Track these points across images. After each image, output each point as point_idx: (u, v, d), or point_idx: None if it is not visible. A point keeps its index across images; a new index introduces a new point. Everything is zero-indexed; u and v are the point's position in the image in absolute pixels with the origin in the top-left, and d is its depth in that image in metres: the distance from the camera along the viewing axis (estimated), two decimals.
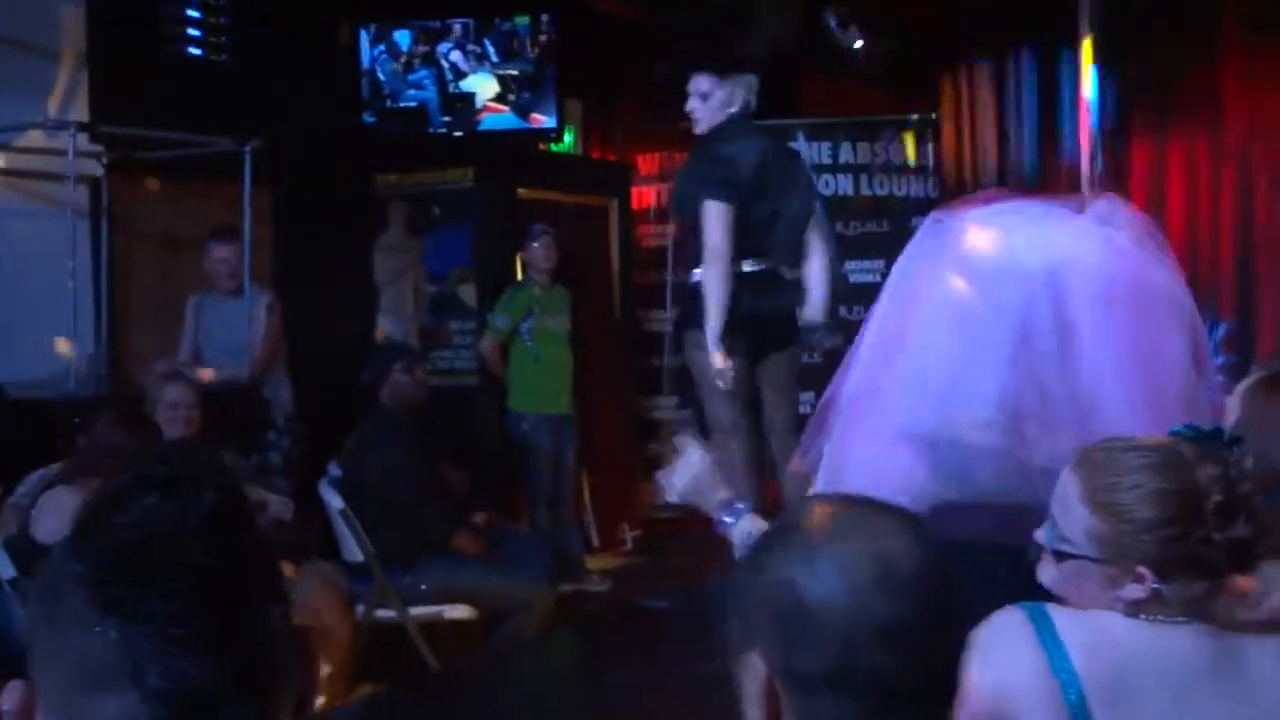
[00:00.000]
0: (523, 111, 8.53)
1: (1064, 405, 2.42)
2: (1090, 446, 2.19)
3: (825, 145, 9.11)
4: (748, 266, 5.44)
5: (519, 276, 8.04)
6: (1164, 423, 2.23)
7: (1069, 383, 2.43)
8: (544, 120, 8.56)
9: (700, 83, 5.56)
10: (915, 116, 9.36)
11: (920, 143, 9.22)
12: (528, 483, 7.76)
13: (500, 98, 8.52)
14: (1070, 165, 8.39)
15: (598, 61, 9.20)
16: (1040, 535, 2.21)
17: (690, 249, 5.46)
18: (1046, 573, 2.20)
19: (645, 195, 9.55)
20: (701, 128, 5.56)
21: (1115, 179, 7.92)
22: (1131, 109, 8.55)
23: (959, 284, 2.51)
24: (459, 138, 8.58)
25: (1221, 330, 7.72)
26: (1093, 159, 7.98)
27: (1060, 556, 2.17)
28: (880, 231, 9.03)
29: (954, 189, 9.07)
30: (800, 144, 8.84)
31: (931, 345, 2.50)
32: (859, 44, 8.98)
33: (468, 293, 8.40)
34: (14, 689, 1.24)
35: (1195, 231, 8.40)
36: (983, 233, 2.53)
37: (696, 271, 5.46)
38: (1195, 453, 2.13)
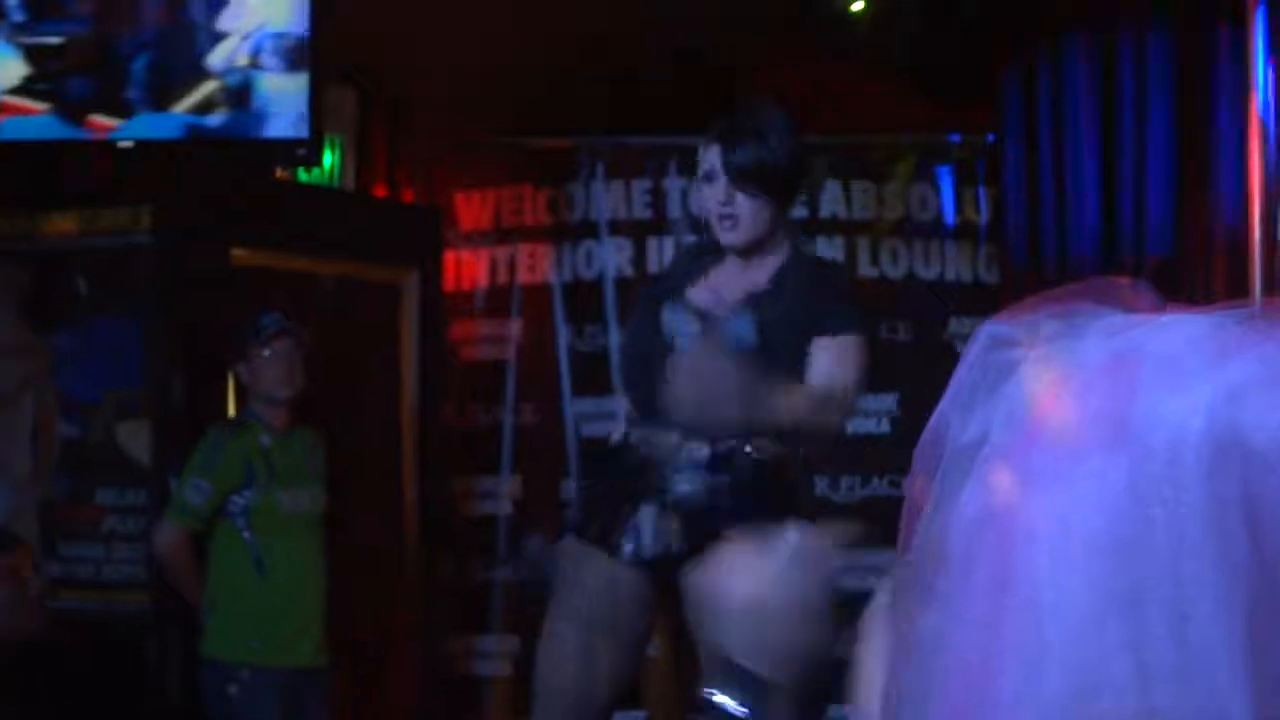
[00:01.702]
0: (240, 104, 7.00)
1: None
2: None
3: None
4: None
5: (232, 411, 6.67)
6: None
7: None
8: (286, 125, 6.96)
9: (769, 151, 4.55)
10: (957, 138, 7.76)
11: (966, 184, 7.68)
12: None
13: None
14: (1229, 222, 7.16)
15: (392, 15, 7.43)
16: None
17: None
18: None
19: (470, 265, 7.98)
20: (741, 236, 4.57)
21: None
22: None
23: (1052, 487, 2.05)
24: (124, 149, 6.97)
25: None
26: (1269, 205, 6.79)
27: None
28: (896, 343, 7.47)
29: (1026, 267, 7.55)
30: None
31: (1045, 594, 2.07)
32: (858, 6, 7.63)
33: (135, 438, 6.86)
34: None
35: None
36: (1099, 383, 1.98)
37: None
38: None
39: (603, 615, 4.61)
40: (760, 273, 4.68)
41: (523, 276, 7.48)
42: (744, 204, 4.57)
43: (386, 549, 7.46)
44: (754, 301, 4.68)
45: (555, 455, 7.18)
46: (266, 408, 6.23)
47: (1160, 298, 2.32)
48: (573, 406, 7.27)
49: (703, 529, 4.43)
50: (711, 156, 4.34)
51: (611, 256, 7.30)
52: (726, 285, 4.71)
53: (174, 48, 7.23)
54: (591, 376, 7.21)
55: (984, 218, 7.74)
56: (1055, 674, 2.16)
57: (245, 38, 7.05)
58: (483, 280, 7.99)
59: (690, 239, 6.69)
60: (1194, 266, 6.88)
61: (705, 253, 4.85)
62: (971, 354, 2.36)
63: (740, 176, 4.42)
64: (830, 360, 4.61)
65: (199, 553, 6.29)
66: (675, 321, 4.70)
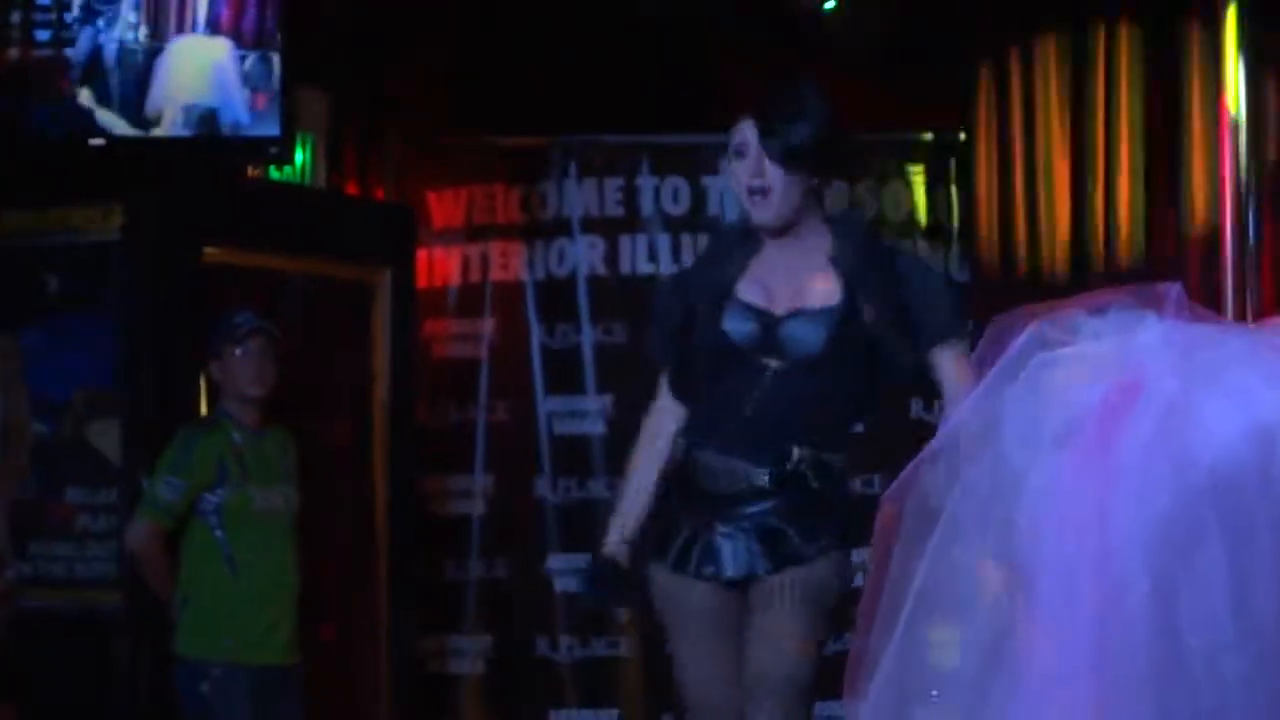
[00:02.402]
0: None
1: None
2: None
3: None
4: None
5: (204, 410, 6.56)
6: None
7: None
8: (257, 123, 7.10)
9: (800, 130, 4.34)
10: (928, 136, 7.76)
11: (936, 182, 7.65)
12: None
13: None
14: (1201, 220, 7.00)
15: (363, 14, 7.68)
16: None
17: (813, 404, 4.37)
18: None
19: (442, 263, 7.88)
20: (772, 212, 4.34)
21: None
22: None
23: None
24: (96, 149, 6.94)
25: None
26: (1241, 204, 6.74)
27: None
28: None
29: (997, 265, 7.48)
30: (719, 179, 7.53)
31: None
32: (830, 4, 7.65)
33: (106, 436, 6.80)
34: None
35: None
36: (1160, 400, 2.03)
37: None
38: None
39: (713, 621, 4.56)
40: (805, 258, 4.48)
41: (495, 274, 7.40)
42: (776, 177, 4.36)
43: (358, 547, 7.37)
44: (816, 298, 4.47)
45: (528, 454, 7.09)
46: (239, 406, 6.15)
47: (1195, 303, 2.30)
48: (545, 405, 7.17)
49: (779, 549, 4.43)
50: (743, 130, 4.20)
51: (584, 254, 7.22)
52: (772, 276, 4.51)
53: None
54: (564, 375, 7.13)
55: (955, 216, 7.64)
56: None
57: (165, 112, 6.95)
58: (455, 278, 7.91)
59: (662, 236, 6.42)
60: (1165, 266, 6.73)
61: (736, 242, 4.65)
62: (1013, 352, 2.35)
63: (773, 148, 4.24)
64: (959, 372, 4.36)
65: (171, 550, 6.19)
66: (734, 325, 4.53)
